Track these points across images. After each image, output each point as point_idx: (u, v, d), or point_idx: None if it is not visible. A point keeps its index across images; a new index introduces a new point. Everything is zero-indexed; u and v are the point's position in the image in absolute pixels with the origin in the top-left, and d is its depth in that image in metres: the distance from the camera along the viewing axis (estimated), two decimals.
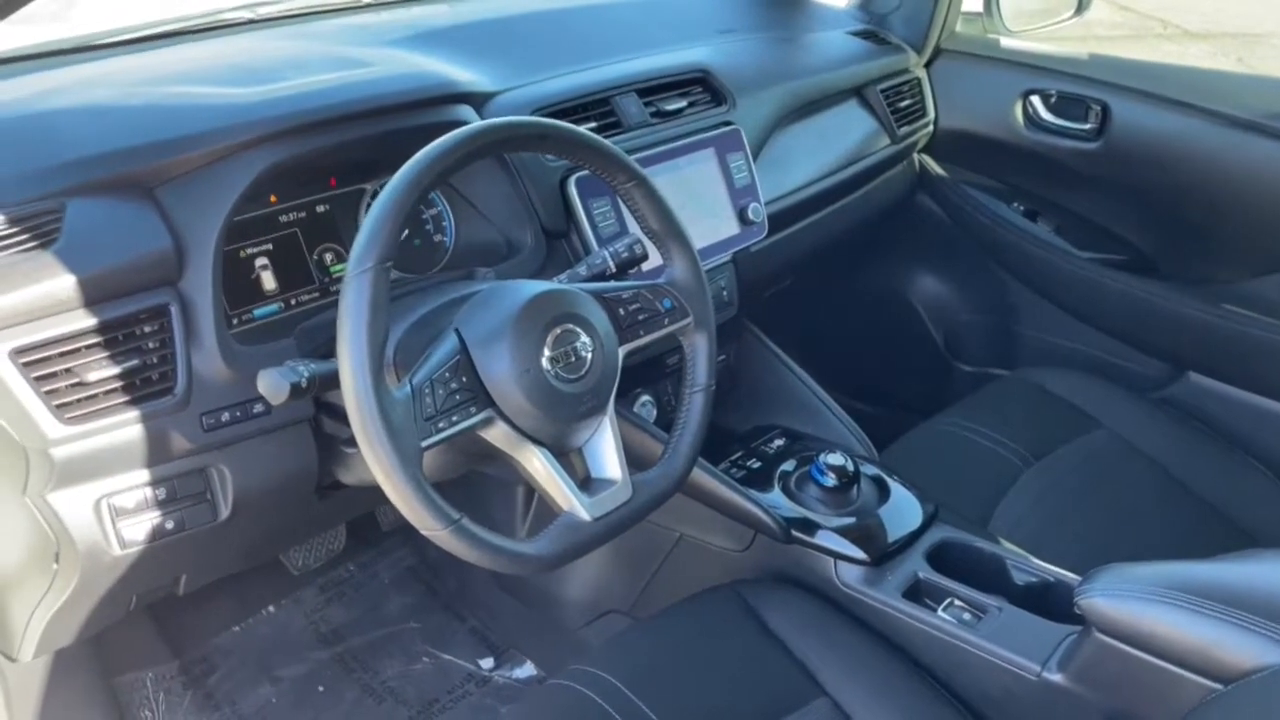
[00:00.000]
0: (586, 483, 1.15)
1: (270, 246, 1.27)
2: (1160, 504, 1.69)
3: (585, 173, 1.41)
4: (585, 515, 1.09)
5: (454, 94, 1.35)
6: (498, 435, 1.06)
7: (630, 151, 1.25)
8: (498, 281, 1.24)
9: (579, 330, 1.10)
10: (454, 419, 1.01)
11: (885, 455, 1.72)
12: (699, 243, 1.32)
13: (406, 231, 1.37)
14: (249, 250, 1.26)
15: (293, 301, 1.28)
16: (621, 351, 1.16)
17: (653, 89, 1.60)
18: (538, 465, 1.08)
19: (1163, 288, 1.97)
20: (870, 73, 2.01)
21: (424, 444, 0.98)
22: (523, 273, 1.35)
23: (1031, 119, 2.05)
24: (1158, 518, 1.66)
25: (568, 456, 1.14)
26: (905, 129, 2.05)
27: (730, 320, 1.70)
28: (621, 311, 1.18)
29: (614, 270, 1.27)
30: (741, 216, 1.64)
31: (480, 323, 1.07)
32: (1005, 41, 2.12)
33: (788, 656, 1.24)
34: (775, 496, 1.48)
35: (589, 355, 1.10)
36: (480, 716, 1.78)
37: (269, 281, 1.26)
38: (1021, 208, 2.13)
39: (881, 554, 1.39)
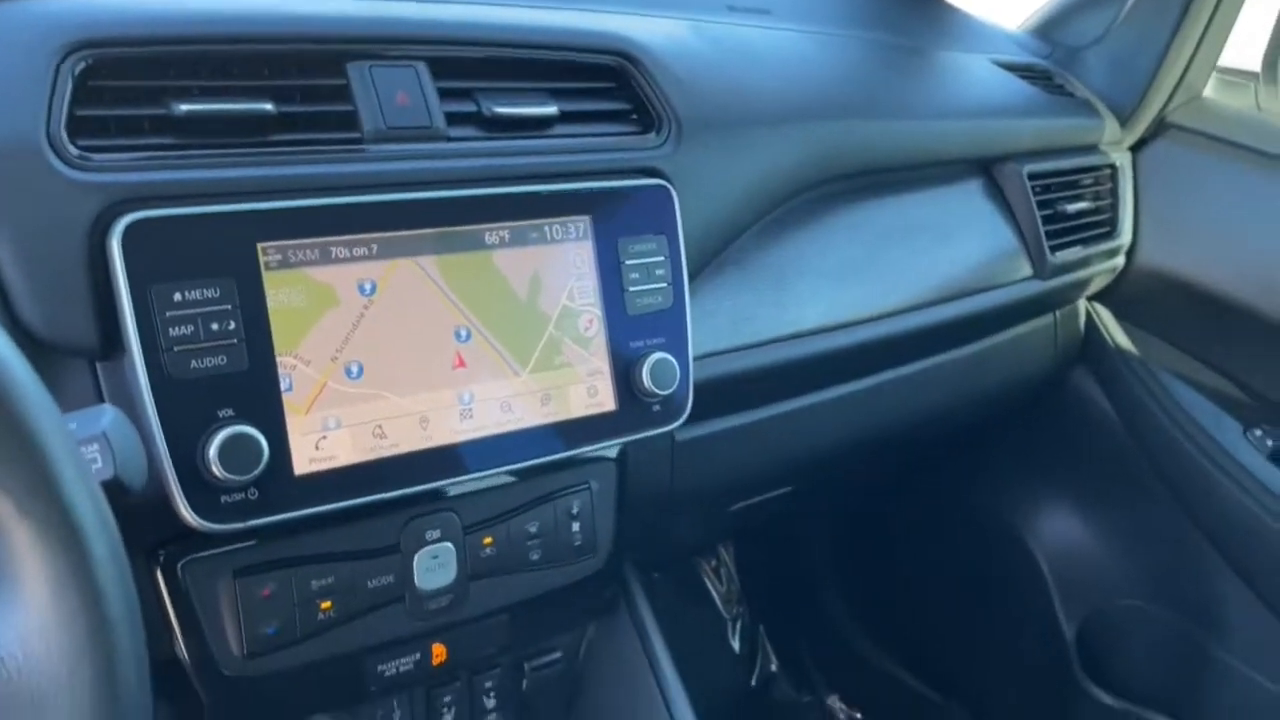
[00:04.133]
0: None
1: None
2: None
3: None
4: None
5: None
6: None
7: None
8: None
9: None
10: None
11: None
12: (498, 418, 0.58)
13: None
14: None
15: None
16: None
17: (474, 65, 0.72)
18: None
19: None
20: (1024, 138, 1.07)
21: None
22: None
23: None
24: None
25: None
26: (1067, 253, 1.09)
27: (592, 579, 0.79)
28: None
29: None
30: (627, 379, 0.73)
31: None
32: None
33: None
34: None
35: None
36: None
37: None
38: (1270, 441, 1.12)
39: None
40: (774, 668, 1.60)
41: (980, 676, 1.41)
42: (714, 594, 1.63)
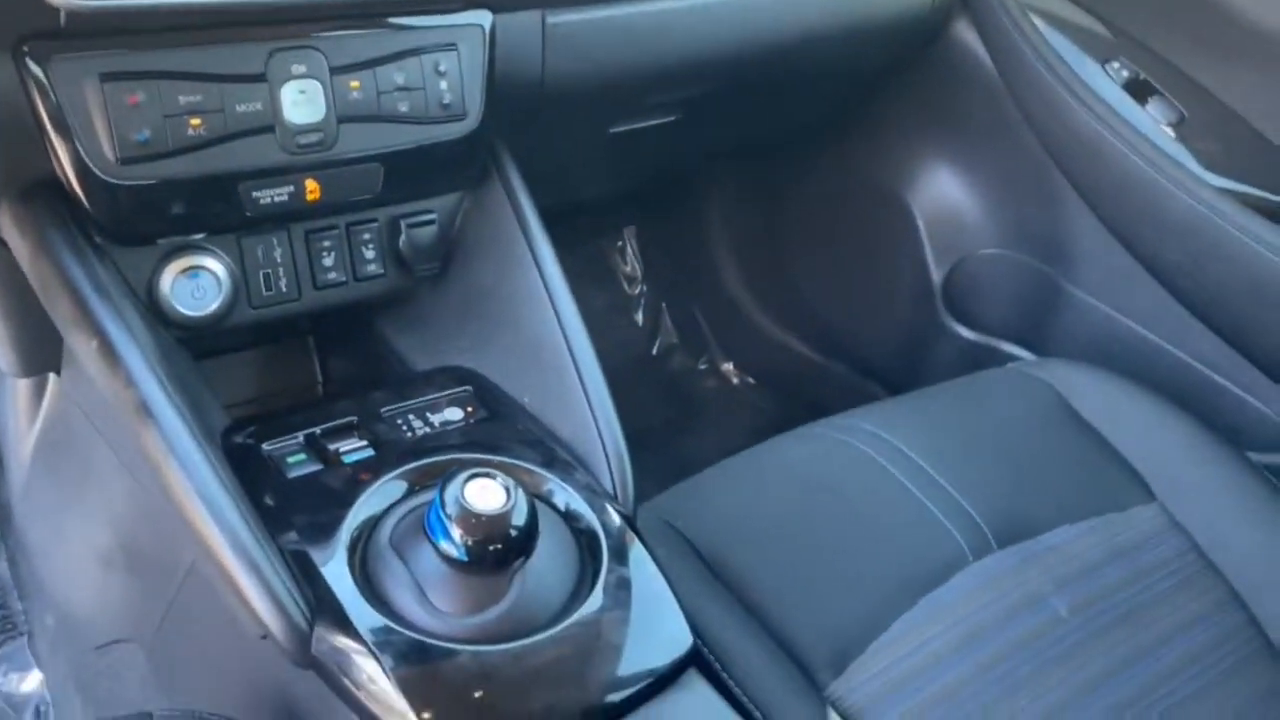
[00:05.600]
0: None
1: None
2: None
3: None
4: None
5: None
6: None
7: None
8: None
9: None
10: None
11: (705, 481, 0.89)
12: None
13: None
14: None
15: None
16: None
17: None
18: None
19: None
20: None
21: None
22: None
23: None
24: None
25: None
26: None
27: (463, 143, 0.84)
28: None
29: None
30: None
31: None
32: None
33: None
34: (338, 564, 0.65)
35: None
36: None
37: None
38: (1125, 72, 1.18)
39: None
40: (674, 340, 1.71)
41: (858, 334, 1.52)
42: (618, 274, 1.71)
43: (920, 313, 1.41)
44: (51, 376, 0.92)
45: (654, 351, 1.69)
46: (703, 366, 1.68)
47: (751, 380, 1.67)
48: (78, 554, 0.94)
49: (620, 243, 1.70)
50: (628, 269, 1.70)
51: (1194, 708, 0.85)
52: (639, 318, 1.70)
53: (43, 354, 0.87)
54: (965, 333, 1.38)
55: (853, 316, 1.53)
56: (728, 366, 1.68)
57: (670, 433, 1.55)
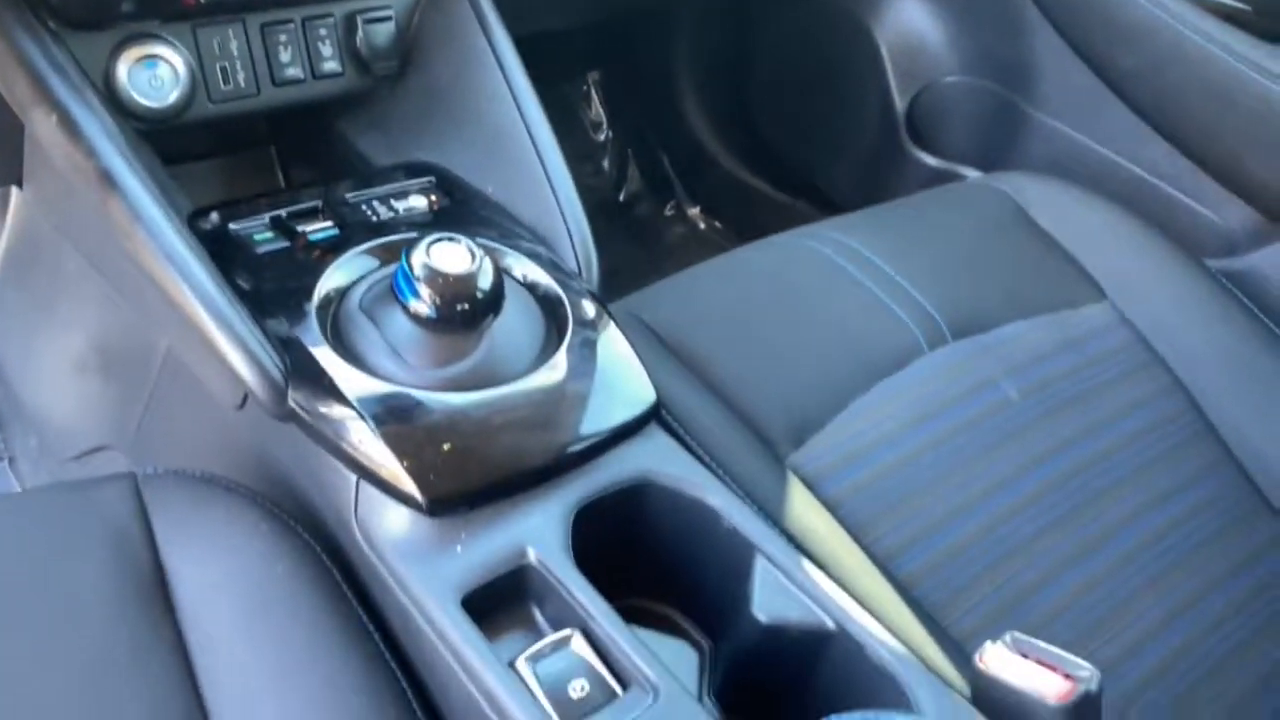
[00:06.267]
0: None
1: None
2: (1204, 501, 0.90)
3: None
4: None
5: None
6: None
7: None
8: None
9: None
10: None
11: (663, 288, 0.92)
12: None
13: None
14: None
15: None
16: None
17: None
18: None
19: None
20: None
21: None
22: None
23: None
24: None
25: None
26: None
27: None
28: None
29: None
30: None
31: None
32: None
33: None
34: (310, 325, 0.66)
35: None
36: None
37: None
38: None
39: (470, 488, 0.61)
40: (640, 186, 1.71)
41: (824, 169, 1.53)
42: (584, 121, 1.70)
43: (884, 142, 1.42)
44: (14, 190, 0.92)
45: (621, 198, 1.70)
46: (669, 212, 1.69)
47: (718, 224, 1.68)
48: (52, 365, 0.95)
49: (585, 88, 1.68)
50: (593, 115, 1.69)
51: (1136, 481, 0.89)
52: (605, 164, 1.70)
53: (2, 166, 0.87)
54: (929, 160, 1.39)
55: (818, 152, 1.53)
56: (694, 211, 1.69)
57: (637, 276, 1.57)
